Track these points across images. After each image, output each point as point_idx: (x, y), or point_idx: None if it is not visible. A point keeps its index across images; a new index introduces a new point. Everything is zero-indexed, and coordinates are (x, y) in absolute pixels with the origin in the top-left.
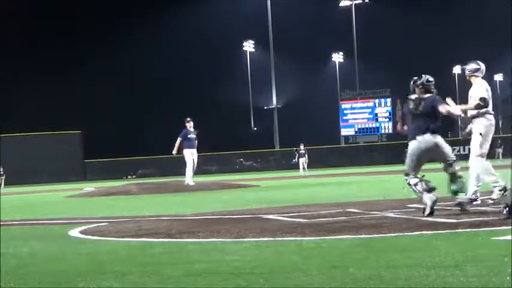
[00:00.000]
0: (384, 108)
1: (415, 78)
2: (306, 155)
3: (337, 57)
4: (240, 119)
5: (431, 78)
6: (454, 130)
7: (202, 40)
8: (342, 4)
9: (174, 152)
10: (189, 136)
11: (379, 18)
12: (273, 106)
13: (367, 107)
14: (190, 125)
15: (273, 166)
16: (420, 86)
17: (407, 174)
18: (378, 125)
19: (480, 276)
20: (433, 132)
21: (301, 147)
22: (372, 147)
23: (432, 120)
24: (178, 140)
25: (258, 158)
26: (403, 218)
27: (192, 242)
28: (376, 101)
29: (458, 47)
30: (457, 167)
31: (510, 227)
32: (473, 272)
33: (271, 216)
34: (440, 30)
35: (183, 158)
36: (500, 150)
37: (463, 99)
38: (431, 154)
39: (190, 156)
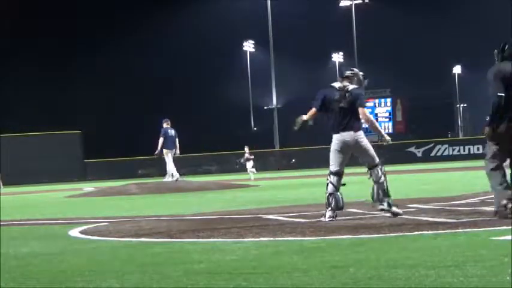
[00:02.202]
0: (384, 108)
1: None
2: (252, 157)
3: (337, 57)
4: (240, 119)
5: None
6: (454, 131)
7: (202, 40)
8: (341, 4)
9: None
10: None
11: (379, 18)
12: (273, 106)
13: (367, 107)
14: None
15: (273, 166)
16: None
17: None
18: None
19: (480, 276)
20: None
21: (246, 150)
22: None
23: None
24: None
25: (258, 158)
26: (403, 218)
27: (192, 242)
28: (376, 101)
29: (459, 47)
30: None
31: (510, 227)
32: (473, 272)
33: (271, 216)
34: (441, 30)
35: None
36: None
37: (462, 98)
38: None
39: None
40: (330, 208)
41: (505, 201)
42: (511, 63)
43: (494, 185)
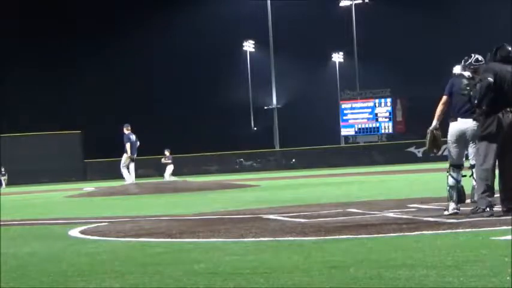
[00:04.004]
0: (384, 108)
1: (466, 57)
2: (171, 162)
3: (337, 57)
4: (240, 119)
5: (480, 58)
6: None
7: (203, 40)
8: (342, 4)
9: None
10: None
11: (379, 18)
12: (273, 106)
13: (367, 107)
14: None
15: (273, 166)
16: (470, 67)
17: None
18: (378, 125)
19: (480, 276)
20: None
21: (167, 153)
22: (371, 147)
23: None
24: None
25: (258, 158)
26: (403, 218)
27: (192, 242)
28: (376, 101)
29: (459, 46)
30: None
31: (510, 227)
32: (473, 272)
33: (271, 216)
34: (441, 30)
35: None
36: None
37: None
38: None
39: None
40: (452, 201)
41: None
42: (502, 65)
43: None
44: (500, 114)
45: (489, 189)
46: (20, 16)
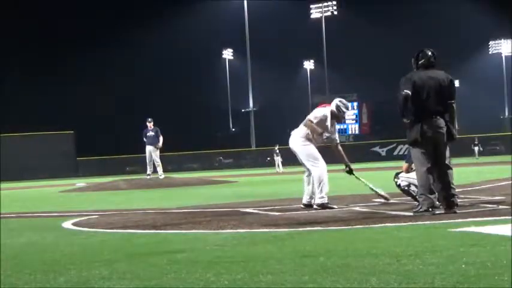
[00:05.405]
0: (350, 111)
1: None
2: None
3: (309, 65)
4: (219, 121)
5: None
6: None
7: (187, 48)
8: (312, 16)
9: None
10: (147, 134)
11: (347, 29)
12: (250, 109)
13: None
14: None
15: (250, 164)
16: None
17: None
18: (345, 126)
19: (437, 264)
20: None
21: None
22: None
23: None
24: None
25: (236, 157)
26: (368, 211)
27: (176, 233)
28: None
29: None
30: None
31: (465, 220)
32: (431, 260)
33: (248, 210)
34: (404, 38)
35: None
36: (477, 148)
37: None
38: None
39: (147, 152)
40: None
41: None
42: (423, 72)
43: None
44: (424, 122)
45: (427, 192)
46: (20, 17)
